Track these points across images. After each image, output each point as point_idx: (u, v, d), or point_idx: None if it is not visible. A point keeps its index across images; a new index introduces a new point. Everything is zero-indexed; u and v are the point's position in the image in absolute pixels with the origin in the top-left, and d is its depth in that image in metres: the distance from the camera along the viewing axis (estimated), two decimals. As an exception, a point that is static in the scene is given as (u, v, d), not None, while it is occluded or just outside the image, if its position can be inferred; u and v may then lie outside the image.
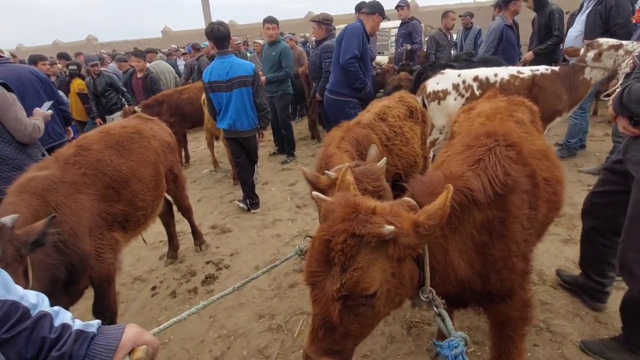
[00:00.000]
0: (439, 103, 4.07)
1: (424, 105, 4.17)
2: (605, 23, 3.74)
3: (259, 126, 3.91)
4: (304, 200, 4.30)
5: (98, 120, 6.08)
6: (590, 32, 3.93)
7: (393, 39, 7.40)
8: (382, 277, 1.02)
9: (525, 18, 5.95)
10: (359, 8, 3.90)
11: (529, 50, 5.23)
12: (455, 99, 4.01)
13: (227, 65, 3.59)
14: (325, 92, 4.26)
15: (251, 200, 4.20)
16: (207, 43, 5.10)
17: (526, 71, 3.90)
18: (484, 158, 1.33)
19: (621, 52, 3.38)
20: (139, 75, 6.09)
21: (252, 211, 4.18)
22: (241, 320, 2.56)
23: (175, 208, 3.35)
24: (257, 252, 3.37)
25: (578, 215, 2.41)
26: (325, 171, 1.63)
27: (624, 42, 3.44)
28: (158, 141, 2.74)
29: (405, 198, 1.24)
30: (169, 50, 11.88)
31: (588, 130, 4.84)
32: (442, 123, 4.11)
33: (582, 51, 3.63)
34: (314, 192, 1.26)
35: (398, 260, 1.04)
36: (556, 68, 3.85)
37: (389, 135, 2.49)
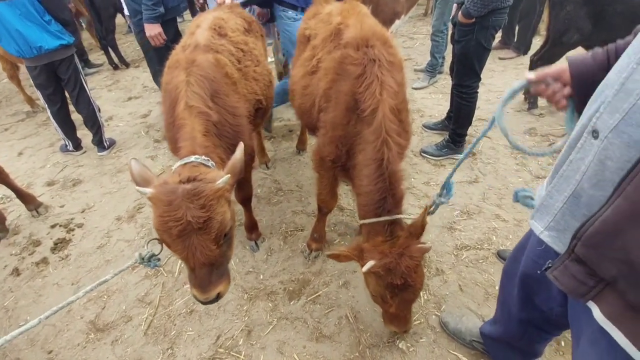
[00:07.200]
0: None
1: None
2: None
3: (68, 42, 3.01)
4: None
5: None
6: None
7: None
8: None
9: None
10: None
11: None
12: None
13: None
14: None
15: (73, 142, 3.59)
16: None
17: (366, -28, 3.90)
18: (375, 76, 1.56)
19: None
20: None
21: (76, 153, 3.62)
22: (112, 277, 2.39)
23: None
24: (116, 202, 3.00)
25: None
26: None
27: None
28: None
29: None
30: None
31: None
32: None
33: None
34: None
35: None
36: (392, -30, 3.95)
37: (238, 56, 2.00)
